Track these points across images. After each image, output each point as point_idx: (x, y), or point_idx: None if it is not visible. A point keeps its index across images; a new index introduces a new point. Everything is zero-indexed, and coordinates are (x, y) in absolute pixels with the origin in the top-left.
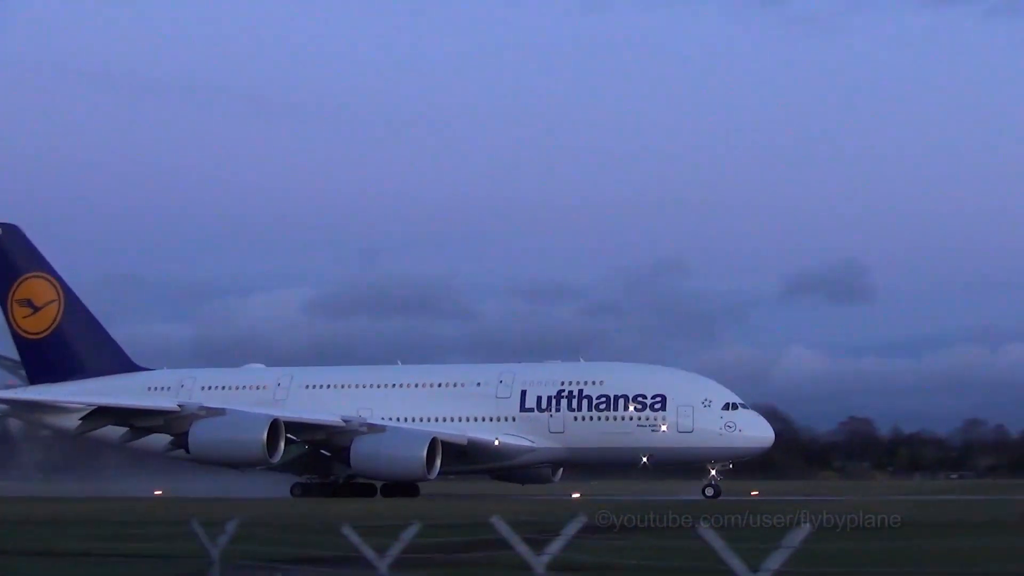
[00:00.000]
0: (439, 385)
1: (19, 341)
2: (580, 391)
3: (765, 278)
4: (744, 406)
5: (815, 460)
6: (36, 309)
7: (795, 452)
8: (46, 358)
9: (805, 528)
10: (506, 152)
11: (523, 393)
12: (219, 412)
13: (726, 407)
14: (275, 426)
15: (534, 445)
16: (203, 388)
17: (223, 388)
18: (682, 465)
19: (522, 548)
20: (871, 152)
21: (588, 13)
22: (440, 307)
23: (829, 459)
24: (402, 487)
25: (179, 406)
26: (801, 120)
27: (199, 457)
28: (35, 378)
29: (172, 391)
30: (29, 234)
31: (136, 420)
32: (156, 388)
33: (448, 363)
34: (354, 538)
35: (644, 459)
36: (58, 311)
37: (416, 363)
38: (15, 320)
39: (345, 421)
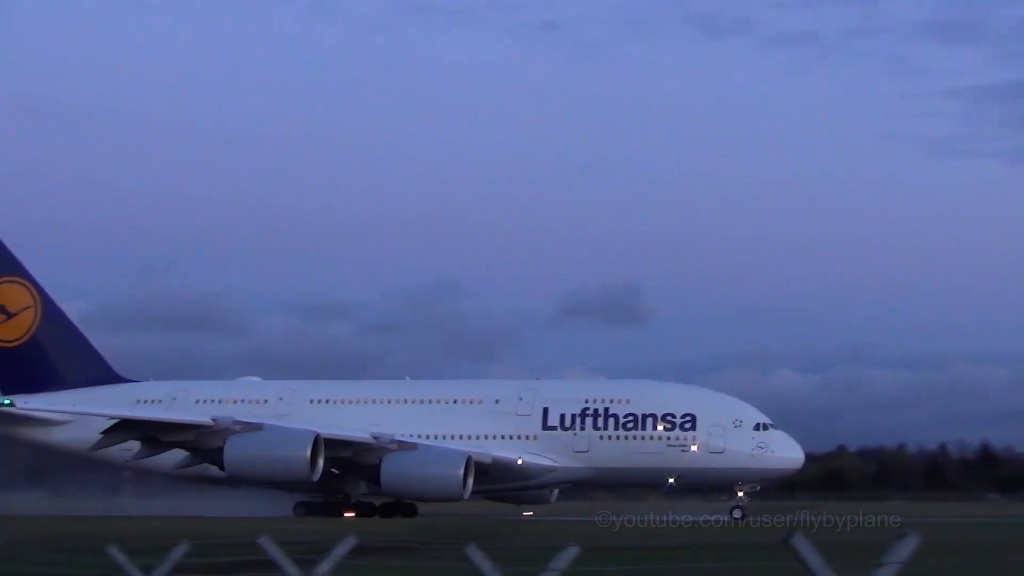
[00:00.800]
0: (454, 401)
1: None
2: (606, 409)
3: (541, 299)
4: (774, 426)
5: None
6: (10, 315)
7: None
8: (20, 367)
9: (572, 551)
10: (284, 168)
11: (545, 410)
12: (256, 427)
13: (757, 427)
14: (316, 442)
15: (556, 464)
16: (197, 401)
17: (219, 402)
18: (711, 486)
19: (290, 569)
20: (646, 176)
21: (372, 32)
22: (216, 323)
23: None
24: (399, 507)
25: (213, 420)
26: (579, 143)
27: (235, 475)
28: (7, 388)
29: (164, 404)
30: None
31: (163, 435)
32: (146, 400)
33: (464, 378)
34: (119, 557)
35: (671, 480)
36: (34, 318)
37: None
38: None
39: (375, 437)
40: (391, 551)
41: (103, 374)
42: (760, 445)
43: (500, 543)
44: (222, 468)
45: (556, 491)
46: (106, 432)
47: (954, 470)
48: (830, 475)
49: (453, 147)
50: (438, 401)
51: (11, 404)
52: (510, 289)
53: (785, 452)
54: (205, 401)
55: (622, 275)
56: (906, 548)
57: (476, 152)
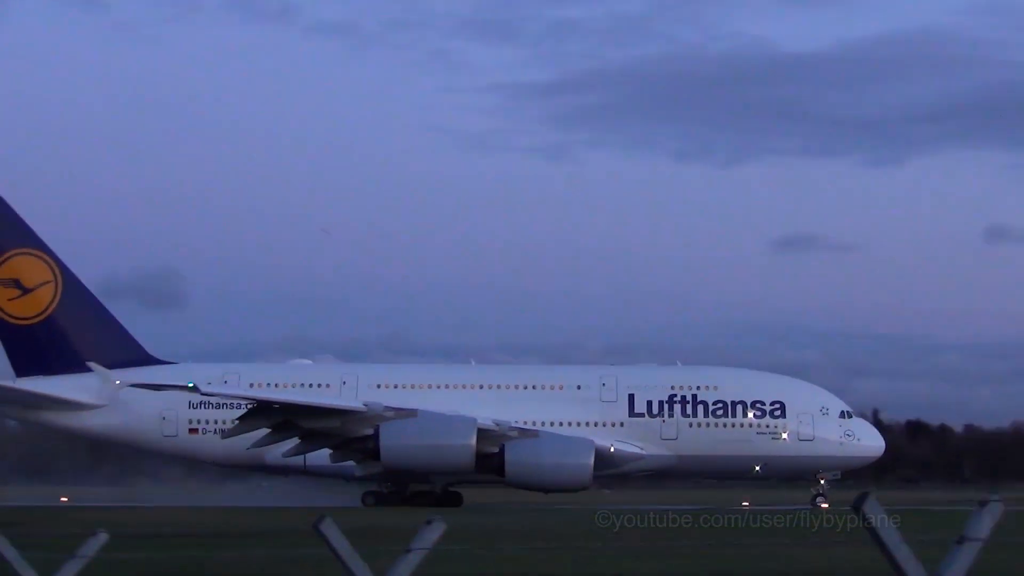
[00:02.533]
0: (533, 387)
1: (3, 327)
2: (694, 396)
3: None
4: (855, 415)
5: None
6: (26, 291)
7: None
8: (37, 347)
9: (102, 537)
10: None
11: (631, 397)
12: (410, 413)
13: (842, 415)
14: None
15: (643, 452)
16: (252, 385)
17: (276, 385)
18: (797, 474)
19: None
20: (185, 156)
21: None
22: None
23: None
24: (446, 496)
25: (365, 405)
26: (115, 122)
27: (392, 465)
28: (22, 370)
29: (213, 388)
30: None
31: (305, 420)
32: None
33: (535, 364)
34: None
35: (757, 468)
36: (54, 294)
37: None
38: None
39: (496, 424)
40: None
41: (134, 355)
42: (847, 433)
43: (31, 529)
44: (374, 456)
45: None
46: (242, 419)
47: None
48: None
49: None
50: (516, 387)
51: (194, 387)
52: None
53: (869, 440)
54: (260, 384)
55: (160, 258)
56: (433, 534)
57: (6, 130)
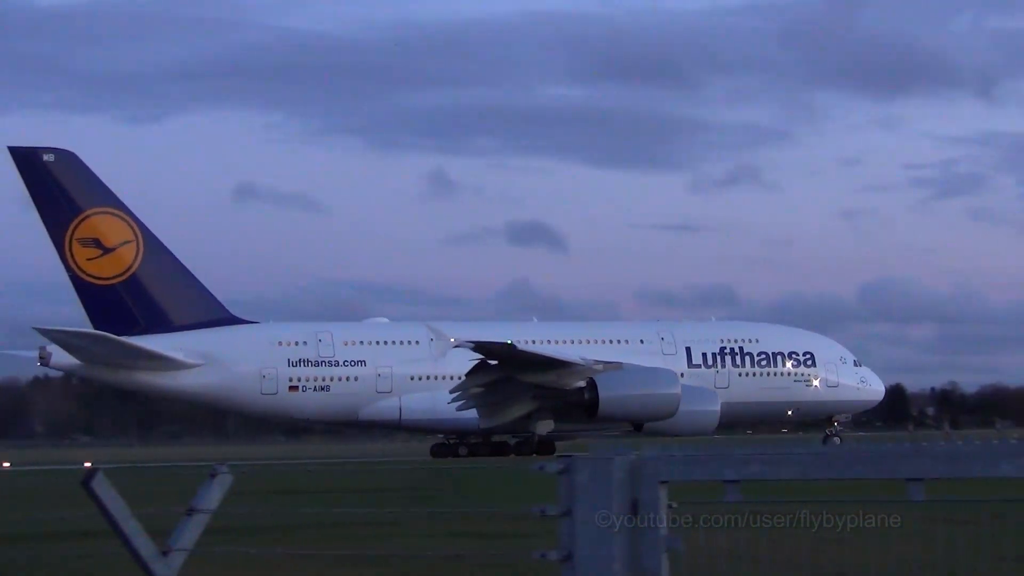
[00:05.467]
0: (603, 342)
1: (81, 287)
2: (740, 348)
3: None
4: (862, 364)
5: None
6: (107, 250)
7: None
8: (118, 307)
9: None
10: None
11: (688, 350)
12: (616, 366)
13: (855, 364)
14: None
15: None
16: (345, 343)
17: (368, 343)
18: (819, 418)
19: None
20: None
21: None
22: None
23: None
24: (540, 444)
25: (581, 359)
26: None
27: (608, 414)
28: (105, 331)
29: (309, 346)
30: None
31: (528, 375)
32: (287, 343)
33: (593, 320)
34: None
35: (789, 412)
36: (136, 253)
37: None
38: (76, 262)
39: None
40: None
41: (218, 315)
42: (862, 380)
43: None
44: (586, 406)
45: None
46: (470, 374)
47: None
48: None
49: None
50: (585, 341)
51: (512, 345)
52: None
53: (876, 385)
54: (353, 343)
55: None
56: None
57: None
